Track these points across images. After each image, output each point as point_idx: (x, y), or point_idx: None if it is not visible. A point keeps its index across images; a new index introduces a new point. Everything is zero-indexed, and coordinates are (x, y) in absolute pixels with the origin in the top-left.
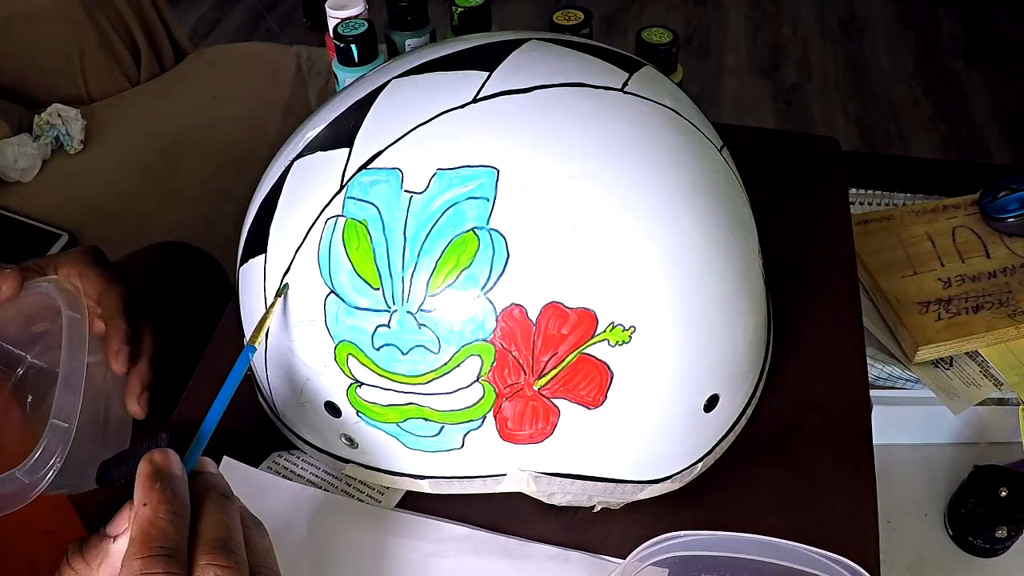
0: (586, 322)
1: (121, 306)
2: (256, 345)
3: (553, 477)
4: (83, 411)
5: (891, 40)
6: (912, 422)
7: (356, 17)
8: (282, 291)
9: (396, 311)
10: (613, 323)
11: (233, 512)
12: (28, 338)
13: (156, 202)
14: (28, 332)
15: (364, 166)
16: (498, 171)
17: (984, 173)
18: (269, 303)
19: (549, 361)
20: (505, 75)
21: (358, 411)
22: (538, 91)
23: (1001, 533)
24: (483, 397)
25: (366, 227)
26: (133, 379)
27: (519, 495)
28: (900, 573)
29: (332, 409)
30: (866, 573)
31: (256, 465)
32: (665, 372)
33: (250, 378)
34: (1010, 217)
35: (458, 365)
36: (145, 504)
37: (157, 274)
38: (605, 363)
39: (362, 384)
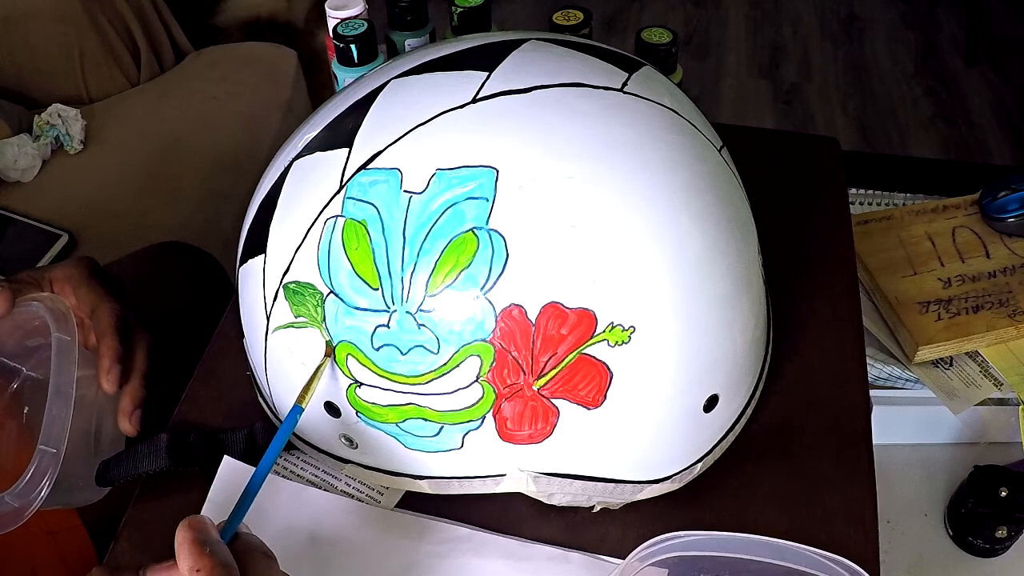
0: (585, 322)
1: (114, 323)
2: (304, 406)
3: (553, 477)
4: (73, 428)
5: (891, 40)
6: (912, 422)
7: (356, 17)
8: (330, 351)
9: (395, 311)
10: (612, 323)
11: (278, 574)
12: (24, 351)
13: (156, 202)
14: (23, 345)
15: (363, 166)
16: (497, 171)
17: (984, 173)
18: (269, 307)
19: (548, 361)
20: (504, 75)
21: (358, 411)
22: (537, 91)
23: (1001, 533)
24: (482, 397)
25: (365, 227)
26: (125, 397)
27: (519, 495)
28: (900, 573)
29: (332, 409)
30: (866, 573)
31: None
32: (665, 372)
33: (250, 378)
34: (1010, 217)
35: (457, 365)
36: (198, 571)
37: (157, 275)
38: (604, 363)
39: (362, 384)
